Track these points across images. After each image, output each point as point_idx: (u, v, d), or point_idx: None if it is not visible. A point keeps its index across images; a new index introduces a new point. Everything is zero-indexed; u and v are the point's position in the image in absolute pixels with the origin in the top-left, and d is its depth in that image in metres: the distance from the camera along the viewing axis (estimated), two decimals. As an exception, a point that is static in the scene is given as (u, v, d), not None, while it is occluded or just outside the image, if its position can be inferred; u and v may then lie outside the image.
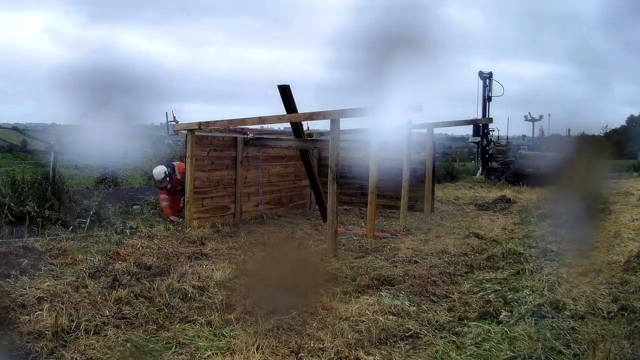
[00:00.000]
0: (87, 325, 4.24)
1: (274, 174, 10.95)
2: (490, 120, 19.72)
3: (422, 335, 4.27)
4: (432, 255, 7.25)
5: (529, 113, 23.53)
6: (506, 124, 27.31)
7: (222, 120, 8.76)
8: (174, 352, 3.90)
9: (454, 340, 4.12)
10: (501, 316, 4.63)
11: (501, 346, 3.97)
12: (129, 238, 7.55)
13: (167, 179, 9.47)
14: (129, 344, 3.96)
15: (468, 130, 24.25)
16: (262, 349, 3.84)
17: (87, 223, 7.98)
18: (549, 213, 8.64)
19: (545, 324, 4.33)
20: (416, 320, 4.62)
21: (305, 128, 11.43)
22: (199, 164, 8.97)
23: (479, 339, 4.15)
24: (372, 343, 4.11)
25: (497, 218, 11.40)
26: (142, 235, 7.75)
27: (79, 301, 4.80)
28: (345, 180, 10.63)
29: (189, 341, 4.08)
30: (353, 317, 4.65)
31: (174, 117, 16.45)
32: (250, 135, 10.00)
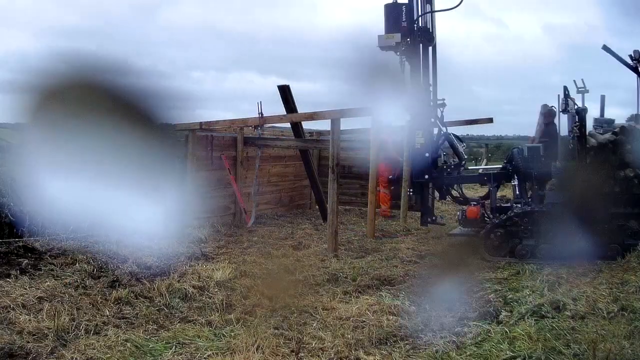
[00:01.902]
0: (88, 325, 4.25)
1: (274, 174, 10.94)
2: (491, 120, 19.69)
3: (422, 335, 4.27)
4: (432, 255, 7.25)
5: None
6: None
7: (224, 120, 8.77)
8: (174, 352, 3.90)
9: (454, 340, 4.11)
10: (501, 316, 4.63)
11: (501, 346, 3.97)
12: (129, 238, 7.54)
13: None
14: (129, 344, 3.96)
15: (468, 130, 24.23)
16: (262, 349, 3.84)
17: (89, 223, 7.97)
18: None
19: (545, 324, 4.33)
20: (416, 320, 4.62)
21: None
22: (199, 164, 8.96)
23: (479, 339, 4.15)
24: (372, 343, 4.11)
25: (497, 218, 11.39)
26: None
27: (79, 301, 4.80)
28: (345, 180, 10.64)
29: (189, 341, 4.08)
30: (353, 317, 4.65)
31: None
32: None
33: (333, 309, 4.86)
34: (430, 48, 7.92)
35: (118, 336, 4.07)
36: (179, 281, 5.44)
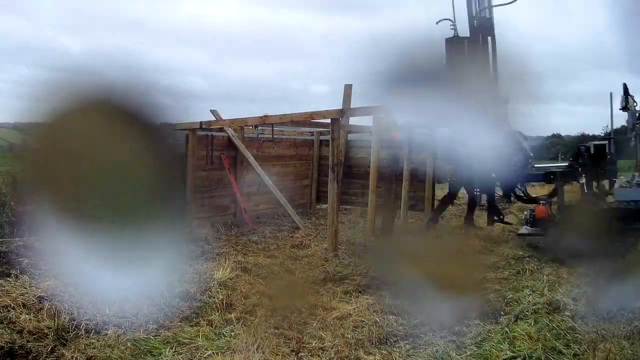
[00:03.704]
0: (88, 324, 4.24)
1: (274, 174, 10.92)
2: None
3: (422, 335, 4.27)
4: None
5: None
6: None
7: (224, 120, 8.76)
8: (174, 351, 3.90)
9: (454, 340, 4.12)
10: (501, 316, 4.63)
11: (501, 346, 3.97)
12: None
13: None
14: (129, 343, 3.96)
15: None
16: (262, 348, 3.84)
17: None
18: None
19: (545, 324, 4.33)
20: (416, 319, 4.62)
21: (308, 132, 11.44)
22: (199, 164, 8.97)
23: (479, 338, 4.15)
24: (372, 343, 4.11)
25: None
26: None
27: (80, 300, 4.79)
28: (348, 180, 10.67)
29: (189, 340, 4.08)
30: (353, 317, 4.65)
31: None
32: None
33: (333, 309, 4.86)
34: (489, 39, 7.71)
35: (118, 335, 4.07)
36: (179, 281, 5.43)
